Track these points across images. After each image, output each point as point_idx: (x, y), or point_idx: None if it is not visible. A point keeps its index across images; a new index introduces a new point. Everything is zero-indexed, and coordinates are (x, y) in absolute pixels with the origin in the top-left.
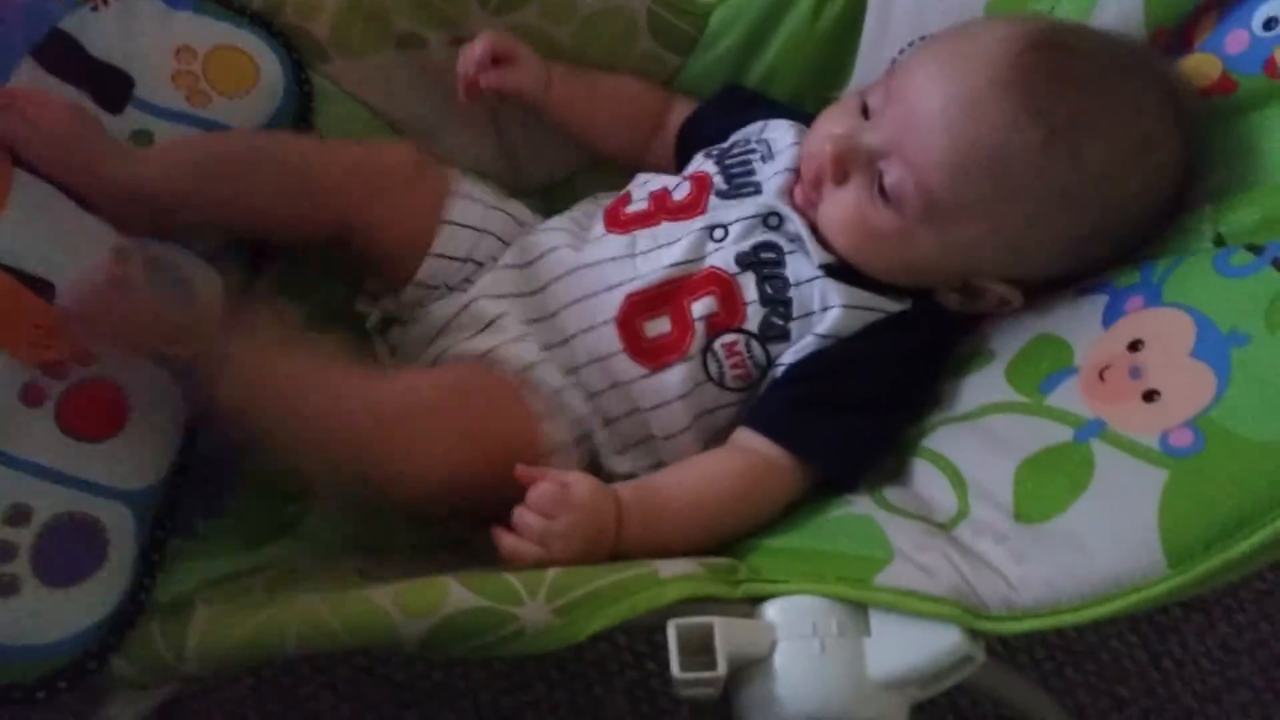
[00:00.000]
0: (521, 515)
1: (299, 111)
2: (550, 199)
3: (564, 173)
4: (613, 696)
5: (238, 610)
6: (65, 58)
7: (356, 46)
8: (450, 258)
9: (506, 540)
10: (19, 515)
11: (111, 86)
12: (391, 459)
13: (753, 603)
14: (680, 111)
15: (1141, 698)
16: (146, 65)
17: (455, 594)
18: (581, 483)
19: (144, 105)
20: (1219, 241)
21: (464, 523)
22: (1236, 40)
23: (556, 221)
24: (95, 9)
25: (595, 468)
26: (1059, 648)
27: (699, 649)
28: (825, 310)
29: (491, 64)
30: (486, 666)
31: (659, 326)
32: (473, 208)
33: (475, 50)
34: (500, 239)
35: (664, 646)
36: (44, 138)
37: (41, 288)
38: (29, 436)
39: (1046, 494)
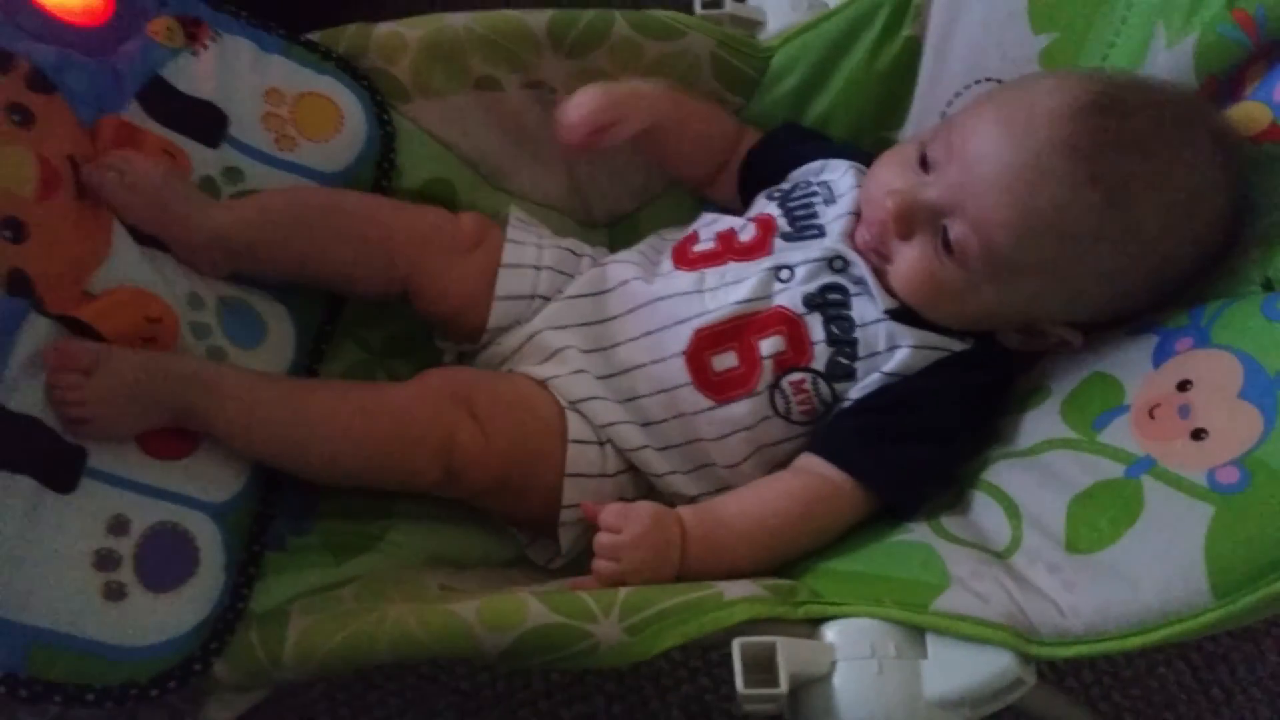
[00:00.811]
0: (596, 539)
1: (382, 153)
2: (616, 231)
3: (630, 206)
4: (668, 710)
5: (331, 620)
6: (164, 101)
7: (436, 88)
8: (513, 297)
9: (585, 580)
10: (120, 526)
11: (207, 122)
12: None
13: (813, 624)
14: (748, 143)
15: None
16: (239, 105)
17: (534, 610)
18: (644, 503)
19: (236, 144)
20: (1267, 286)
21: (521, 533)
22: None
23: (626, 255)
24: (195, 53)
25: (652, 495)
26: (1107, 673)
27: (762, 667)
28: (893, 350)
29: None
30: (546, 678)
31: (726, 361)
32: (525, 249)
33: (580, 123)
34: (559, 271)
35: (719, 663)
36: (132, 191)
37: None
38: (119, 457)
39: (1098, 526)
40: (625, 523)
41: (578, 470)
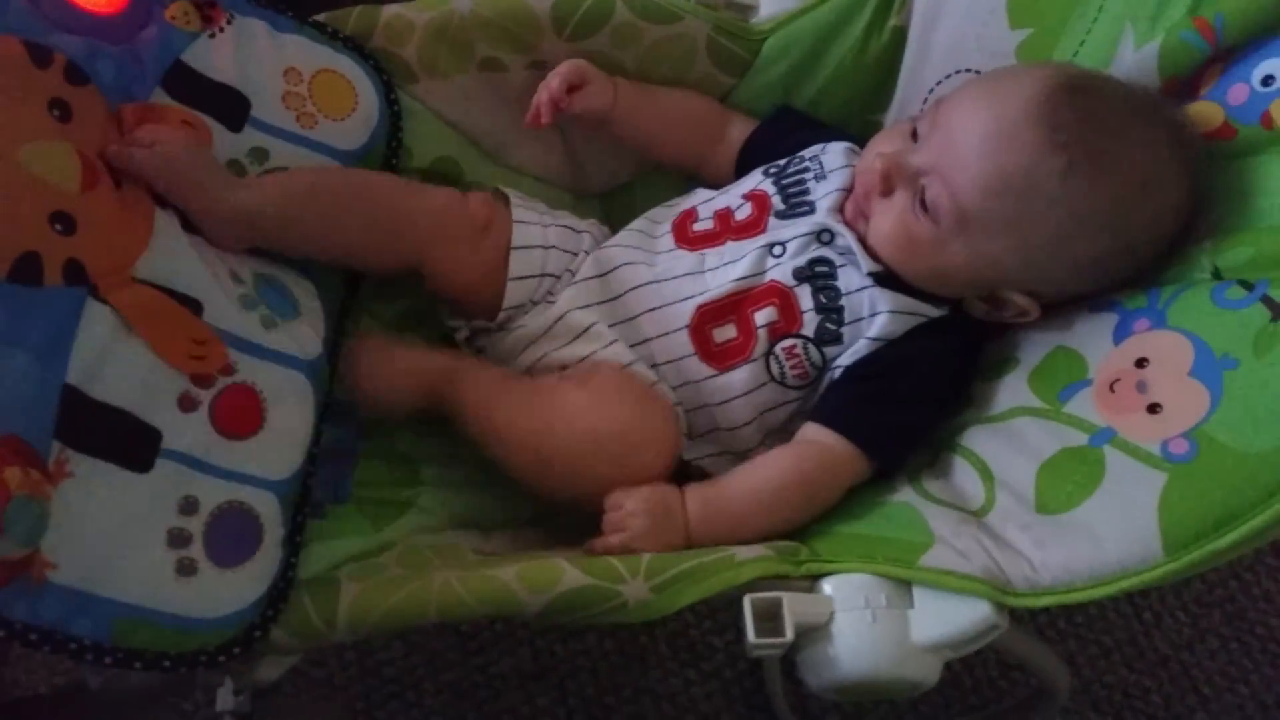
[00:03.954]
0: (605, 517)
1: (390, 132)
2: (610, 202)
3: (625, 178)
4: (656, 645)
5: (382, 585)
6: (188, 86)
7: (442, 69)
8: (525, 277)
9: (600, 543)
10: (190, 505)
11: (231, 107)
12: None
13: (813, 579)
14: (740, 127)
15: (1124, 646)
16: (259, 86)
17: (569, 573)
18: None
19: (259, 125)
20: (1216, 275)
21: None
22: (1238, 93)
23: (626, 237)
24: (213, 35)
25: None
26: None
27: (769, 618)
28: (874, 315)
29: (566, 92)
30: None
31: (726, 333)
32: (530, 229)
33: (553, 85)
34: (564, 249)
35: (700, 603)
36: (161, 164)
37: (191, 305)
38: (188, 438)
39: (1064, 490)
40: (628, 498)
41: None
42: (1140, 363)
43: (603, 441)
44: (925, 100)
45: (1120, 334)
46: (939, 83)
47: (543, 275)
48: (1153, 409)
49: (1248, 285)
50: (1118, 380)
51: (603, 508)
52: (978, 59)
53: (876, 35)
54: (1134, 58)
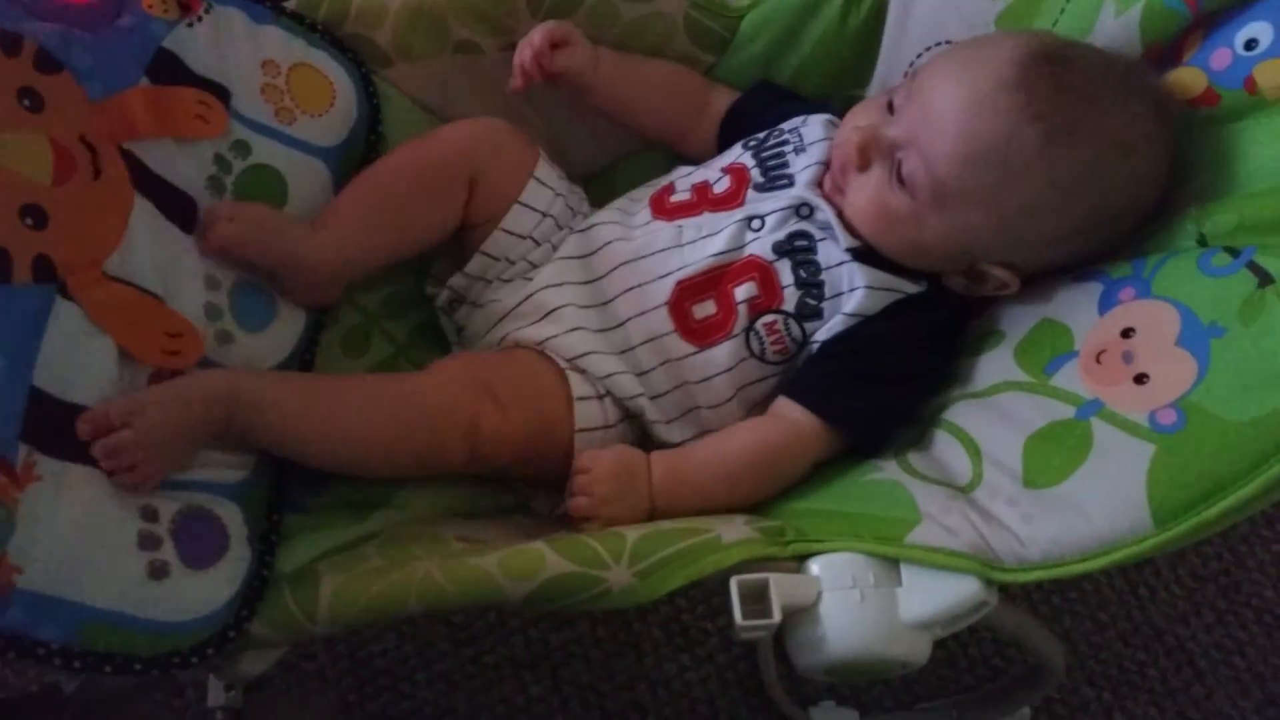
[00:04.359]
0: (573, 478)
1: (370, 124)
2: (592, 186)
3: (607, 160)
4: (649, 630)
5: (362, 577)
6: (174, 75)
7: (417, 53)
8: (516, 234)
9: (569, 505)
10: (150, 514)
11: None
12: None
13: (800, 559)
14: (721, 98)
15: (1119, 621)
16: (238, 77)
17: (551, 560)
18: (613, 446)
19: (240, 118)
20: (1202, 242)
21: (525, 487)
22: (1220, 57)
23: (606, 215)
24: (191, 25)
25: (646, 442)
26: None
27: (756, 599)
28: (852, 290)
29: (549, 48)
30: None
31: (706, 309)
32: (543, 192)
33: (535, 39)
34: (558, 223)
35: (693, 584)
36: (244, 239)
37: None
38: None
39: (1051, 464)
40: (593, 461)
41: (585, 425)
42: (1126, 333)
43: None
44: (906, 74)
45: (1105, 304)
46: (920, 55)
47: (528, 238)
48: (1140, 379)
49: (1233, 252)
50: (1104, 351)
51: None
52: (959, 29)
53: (856, 9)
54: (1115, 24)
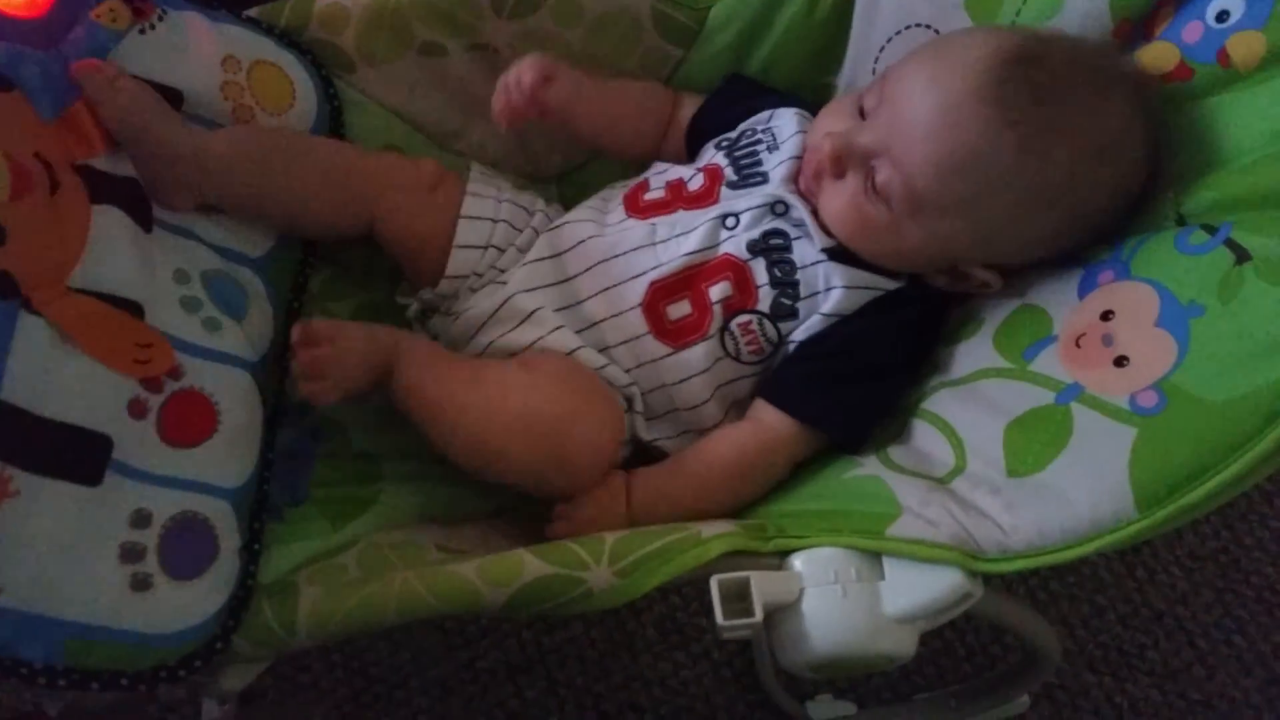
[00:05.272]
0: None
1: (331, 128)
2: (565, 184)
3: (578, 160)
4: (643, 630)
5: (341, 588)
6: None
7: (381, 56)
8: (471, 247)
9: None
10: (142, 519)
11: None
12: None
13: (781, 555)
14: (688, 107)
15: (1118, 604)
16: (196, 77)
17: (530, 564)
18: None
19: (194, 118)
20: (1180, 221)
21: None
22: (1192, 31)
23: (579, 213)
24: (144, 31)
25: (632, 439)
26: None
27: (737, 598)
28: (829, 290)
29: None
30: None
31: (680, 310)
32: (484, 203)
33: (525, 80)
34: (513, 225)
35: (686, 583)
36: (128, 105)
37: (131, 309)
38: (140, 447)
39: (1032, 450)
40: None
41: None
42: (1105, 315)
43: (534, 423)
44: (876, 59)
45: (1085, 288)
46: (889, 39)
47: (487, 247)
48: (1119, 362)
49: (1210, 229)
50: (1083, 335)
51: (550, 494)
52: (929, 12)
53: None
54: (1084, 2)
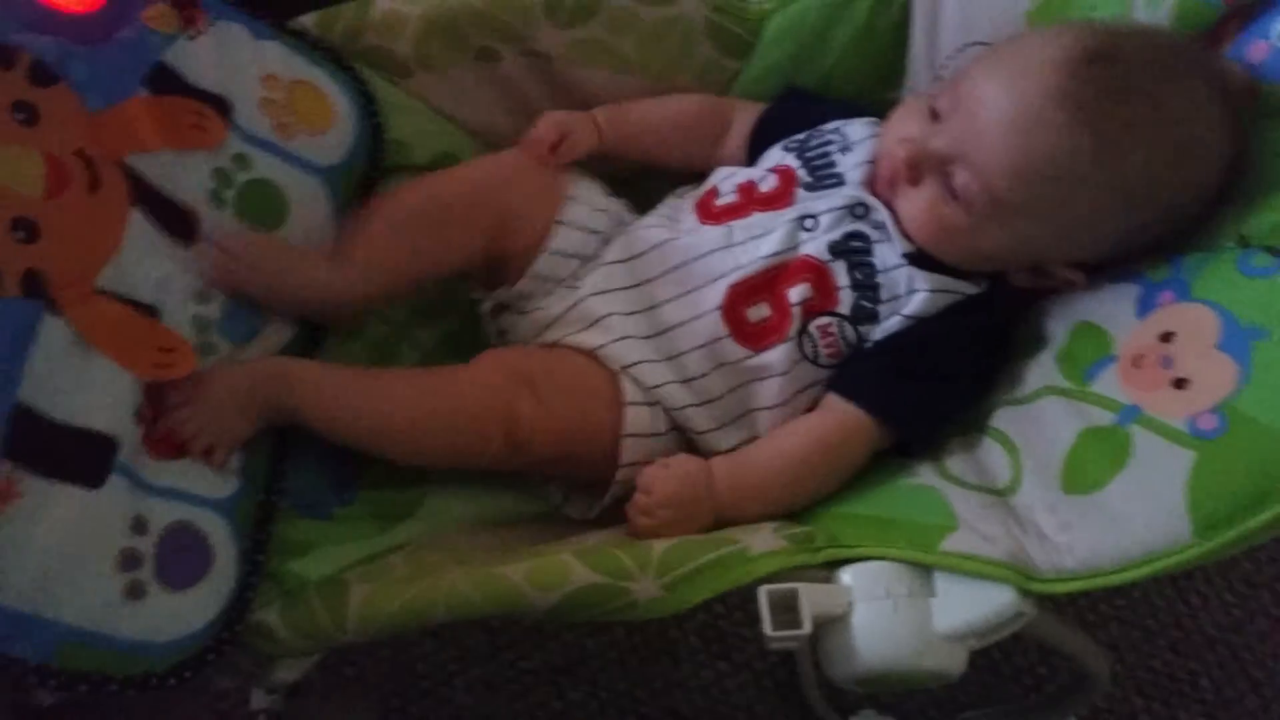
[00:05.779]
0: (633, 499)
1: (370, 149)
2: (619, 187)
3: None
4: (686, 637)
5: (391, 586)
6: (172, 88)
7: (436, 62)
8: (565, 254)
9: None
10: (140, 525)
11: (215, 110)
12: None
13: (831, 567)
14: (745, 113)
15: (1169, 629)
16: (240, 89)
17: (578, 571)
18: (676, 463)
19: (240, 131)
20: (1242, 242)
21: (559, 490)
22: (1257, 50)
23: (652, 219)
24: (192, 38)
25: (693, 449)
26: None
27: (786, 610)
28: (911, 294)
29: (551, 151)
30: None
31: (760, 312)
32: (582, 210)
33: (544, 141)
34: (605, 238)
35: (730, 591)
36: (250, 271)
37: (149, 313)
38: (140, 454)
39: (1091, 471)
40: (655, 483)
41: (634, 431)
42: (1165, 337)
43: (424, 417)
44: (937, 77)
45: (1144, 307)
46: (949, 58)
47: (576, 256)
48: (1179, 384)
49: (1274, 252)
50: (1143, 356)
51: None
52: (989, 31)
53: (885, 10)
54: (1148, 17)
